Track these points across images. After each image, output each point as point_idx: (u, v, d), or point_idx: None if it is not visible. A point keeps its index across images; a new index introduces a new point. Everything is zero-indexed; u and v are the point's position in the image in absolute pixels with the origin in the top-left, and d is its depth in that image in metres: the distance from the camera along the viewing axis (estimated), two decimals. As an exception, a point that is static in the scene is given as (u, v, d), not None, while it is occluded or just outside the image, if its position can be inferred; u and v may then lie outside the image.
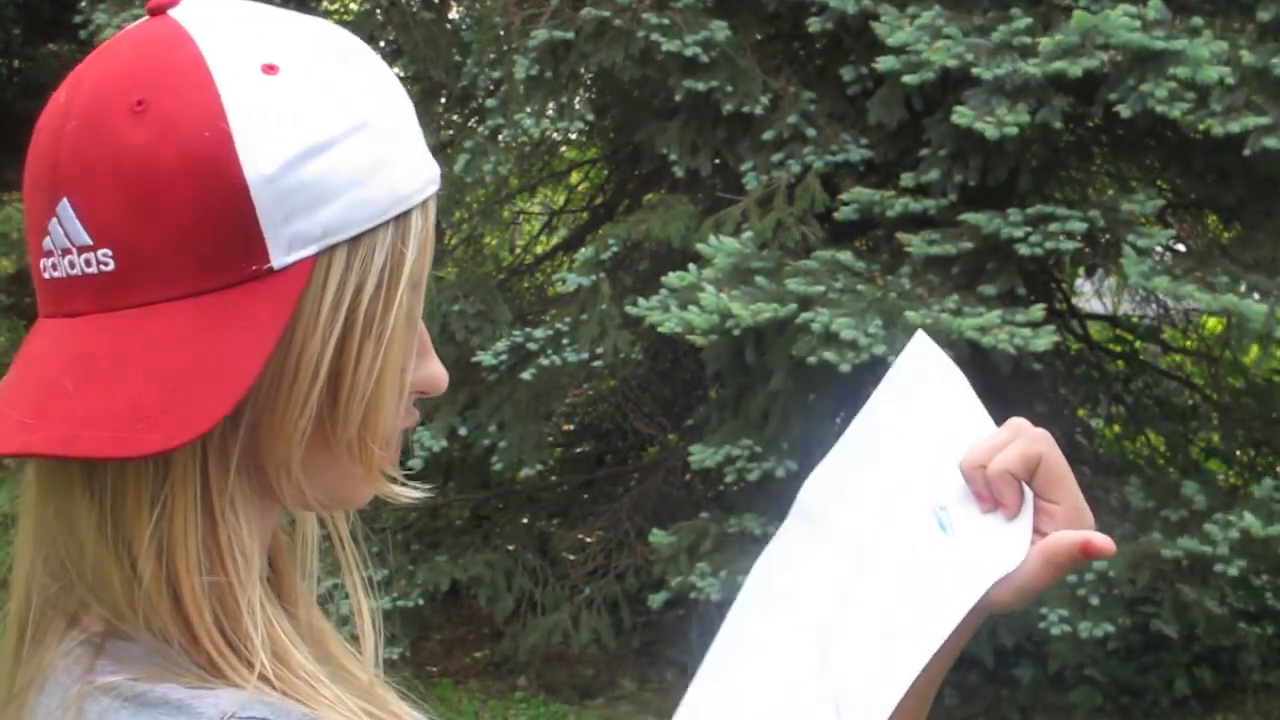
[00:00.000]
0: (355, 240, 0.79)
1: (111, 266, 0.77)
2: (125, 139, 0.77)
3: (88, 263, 0.78)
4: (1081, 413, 7.37)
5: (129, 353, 0.76)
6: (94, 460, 0.77)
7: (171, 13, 0.82)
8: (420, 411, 0.92)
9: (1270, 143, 4.78)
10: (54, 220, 0.79)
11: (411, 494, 0.89)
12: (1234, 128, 4.79)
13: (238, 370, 0.76)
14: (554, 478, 7.23)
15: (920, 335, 1.09)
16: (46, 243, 0.80)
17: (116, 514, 0.78)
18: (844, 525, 1.03)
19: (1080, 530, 0.95)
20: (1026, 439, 0.96)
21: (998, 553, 0.96)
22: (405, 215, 0.81)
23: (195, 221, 0.76)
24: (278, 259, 0.77)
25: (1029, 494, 0.97)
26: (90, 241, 0.78)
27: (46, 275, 0.80)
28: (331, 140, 0.78)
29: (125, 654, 0.78)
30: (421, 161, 0.83)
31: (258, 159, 0.77)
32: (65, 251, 0.79)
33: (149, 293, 0.77)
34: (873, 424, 1.07)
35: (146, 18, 0.83)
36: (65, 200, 0.78)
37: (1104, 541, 0.94)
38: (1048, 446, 0.96)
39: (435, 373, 0.88)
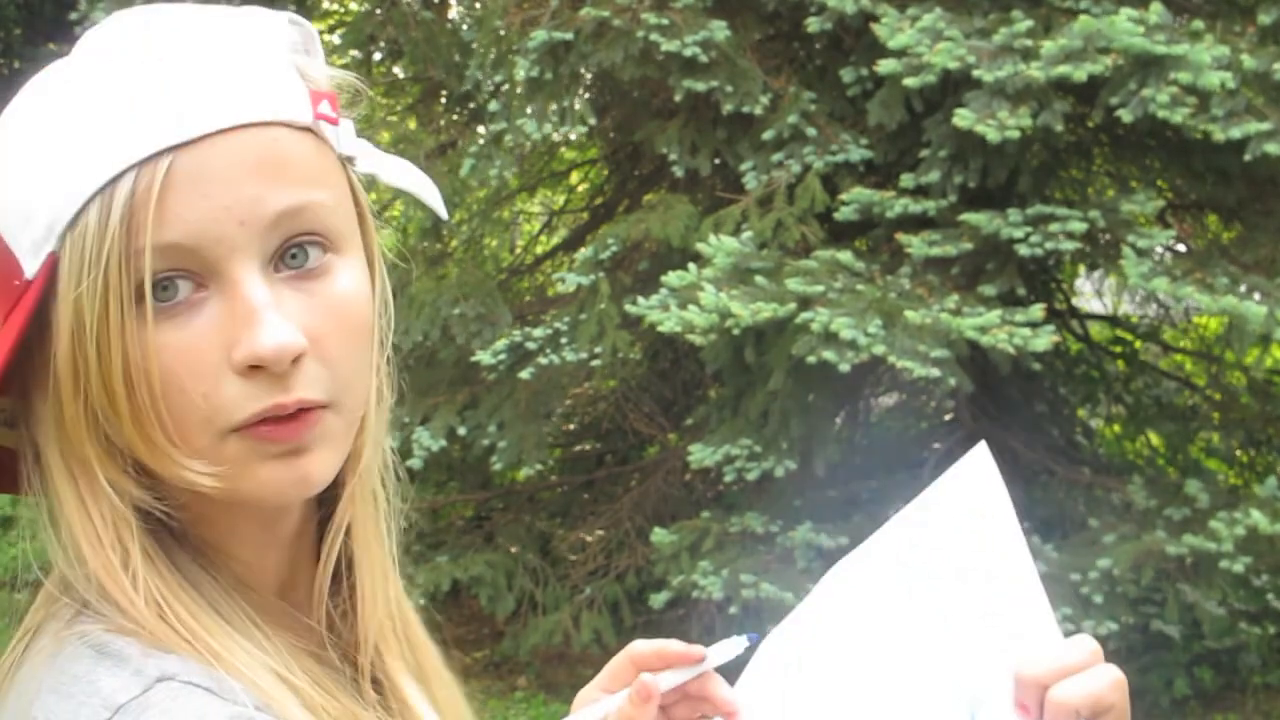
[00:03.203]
0: (73, 224, 0.79)
1: None
2: None
3: None
4: (1081, 413, 7.37)
5: None
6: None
7: None
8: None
9: (1271, 148, 4.78)
10: None
11: (203, 481, 0.82)
12: (1235, 133, 4.78)
13: None
14: (554, 478, 7.23)
15: (981, 447, 0.98)
16: None
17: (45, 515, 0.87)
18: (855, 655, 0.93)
19: None
20: (1102, 680, 0.88)
21: None
22: (113, 183, 0.79)
23: None
24: (29, 267, 0.80)
25: None
26: None
27: None
28: (28, 144, 0.81)
29: (100, 610, 0.83)
30: (128, 125, 0.79)
31: None
32: None
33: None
34: (914, 536, 0.95)
35: None
36: None
37: None
38: (1120, 696, 0.88)
39: (248, 340, 0.80)
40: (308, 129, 0.84)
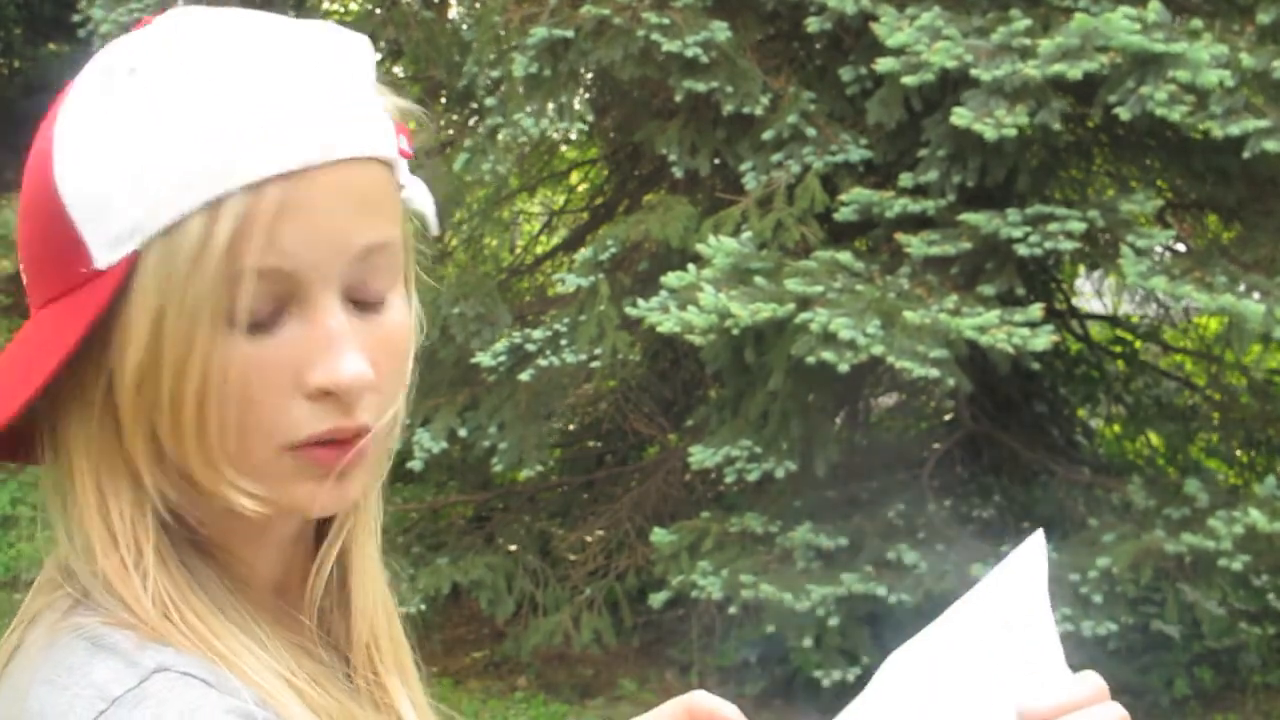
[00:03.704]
0: (167, 232, 0.79)
1: (26, 278, 0.85)
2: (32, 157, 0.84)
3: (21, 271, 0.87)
4: (1081, 413, 7.37)
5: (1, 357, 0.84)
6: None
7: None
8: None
9: (1270, 145, 4.79)
10: None
11: (245, 503, 0.84)
12: (1234, 130, 4.79)
13: (35, 373, 0.81)
14: (554, 478, 7.23)
15: (1037, 537, 0.97)
16: None
17: (54, 498, 0.87)
18: None
19: None
20: (1107, 718, 0.88)
21: None
22: (221, 200, 0.79)
23: (37, 234, 0.83)
24: (101, 259, 0.80)
25: None
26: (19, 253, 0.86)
27: None
28: (119, 135, 0.80)
29: (102, 603, 0.84)
30: (242, 147, 0.79)
31: (67, 166, 0.81)
32: None
33: (35, 300, 0.84)
34: (963, 624, 0.95)
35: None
36: None
37: None
38: None
39: (328, 368, 0.82)
40: (388, 163, 0.86)
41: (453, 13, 6.68)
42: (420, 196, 0.93)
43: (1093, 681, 0.90)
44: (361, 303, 0.85)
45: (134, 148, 0.79)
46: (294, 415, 0.82)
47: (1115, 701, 0.90)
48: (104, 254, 0.80)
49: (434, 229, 0.95)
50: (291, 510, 0.86)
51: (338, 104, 0.83)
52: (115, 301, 0.81)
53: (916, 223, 5.26)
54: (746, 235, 5.27)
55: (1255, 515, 4.82)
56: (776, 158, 5.54)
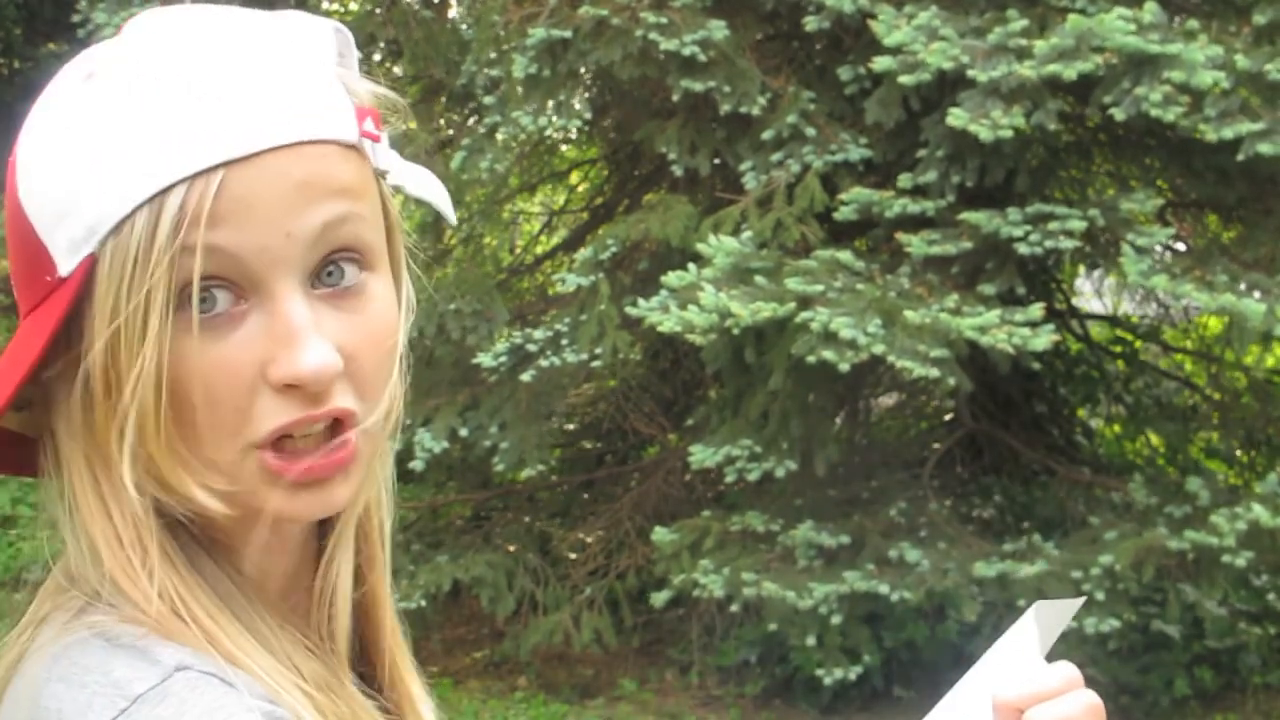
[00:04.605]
0: (117, 229, 0.79)
1: (15, 291, 0.85)
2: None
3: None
4: (1081, 413, 7.37)
5: None
6: None
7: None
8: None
9: (1264, 148, 4.78)
10: None
11: (212, 505, 0.83)
12: (1228, 133, 4.79)
13: (7, 380, 0.82)
14: (554, 478, 7.24)
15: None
16: None
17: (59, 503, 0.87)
18: None
19: None
20: (1076, 706, 0.88)
21: None
22: (164, 193, 0.78)
23: (13, 247, 0.83)
24: (64, 265, 0.80)
25: None
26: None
27: None
28: (72, 142, 0.80)
29: (113, 603, 0.83)
30: (182, 140, 0.79)
31: (28, 178, 0.82)
32: None
33: (21, 313, 0.84)
34: (961, 694, 0.95)
35: None
36: None
37: None
38: (1096, 718, 0.89)
39: (288, 360, 0.80)
40: (352, 146, 0.84)
41: (452, 12, 6.68)
42: (422, 184, 0.91)
43: (1065, 671, 0.90)
44: (335, 291, 0.83)
45: (86, 152, 0.79)
46: (259, 410, 0.81)
47: (1090, 689, 0.90)
48: (65, 261, 0.80)
49: (450, 218, 0.95)
50: (276, 518, 0.84)
51: (283, 88, 0.82)
52: (80, 305, 0.80)
53: (916, 222, 5.26)
54: (746, 235, 5.27)
55: (1258, 511, 4.82)
56: (776, 157, 5.54)
